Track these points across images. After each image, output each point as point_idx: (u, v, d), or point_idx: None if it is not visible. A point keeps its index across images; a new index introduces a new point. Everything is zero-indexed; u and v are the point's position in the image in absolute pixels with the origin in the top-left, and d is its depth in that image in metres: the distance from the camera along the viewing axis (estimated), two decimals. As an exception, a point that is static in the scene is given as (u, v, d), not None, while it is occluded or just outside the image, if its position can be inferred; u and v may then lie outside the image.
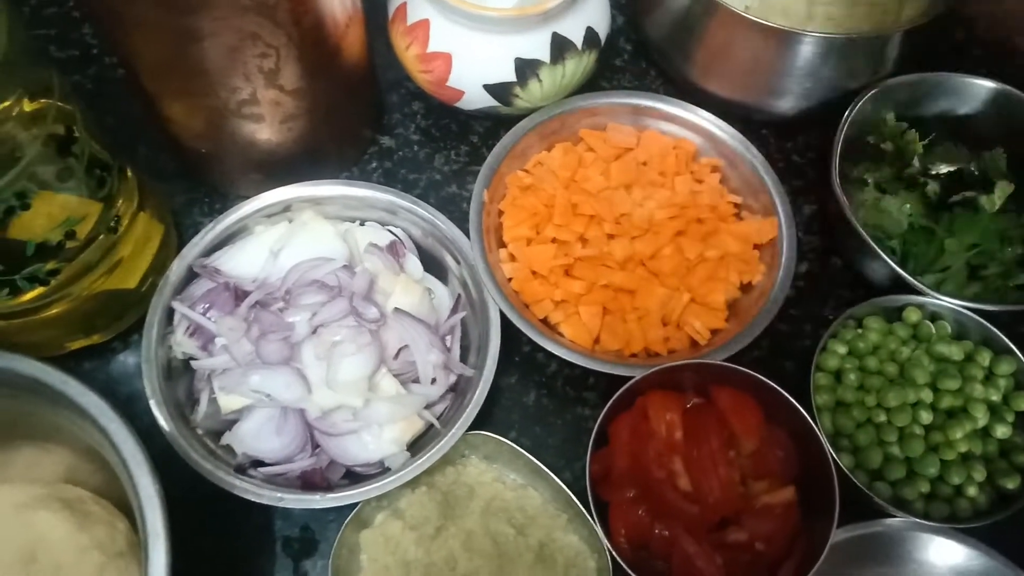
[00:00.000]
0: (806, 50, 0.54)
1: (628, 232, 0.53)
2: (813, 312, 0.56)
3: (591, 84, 0.60)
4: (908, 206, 0.55)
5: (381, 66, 0.61)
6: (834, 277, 0.58)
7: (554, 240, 0.53)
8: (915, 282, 0.50)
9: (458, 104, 0.57)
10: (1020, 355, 0.49)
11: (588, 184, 0.55)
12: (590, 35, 0.56)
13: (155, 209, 0.54)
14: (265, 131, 0.52)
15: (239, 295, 0.50)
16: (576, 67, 0.56)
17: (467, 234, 0.52)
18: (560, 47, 0.54)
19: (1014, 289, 0.54)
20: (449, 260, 0.53)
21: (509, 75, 0.54)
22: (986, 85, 0.56)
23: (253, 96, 0.48)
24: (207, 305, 0.49)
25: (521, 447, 0.48)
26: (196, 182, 0.59)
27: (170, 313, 0.49)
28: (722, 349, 0.50)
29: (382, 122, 0.62)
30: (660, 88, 0.64)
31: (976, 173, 0.56)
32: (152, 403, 0.45)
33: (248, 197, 0.53)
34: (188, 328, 0.48)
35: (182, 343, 0.48)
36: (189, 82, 0.47)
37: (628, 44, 0.66)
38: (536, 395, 0.54)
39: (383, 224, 0.55)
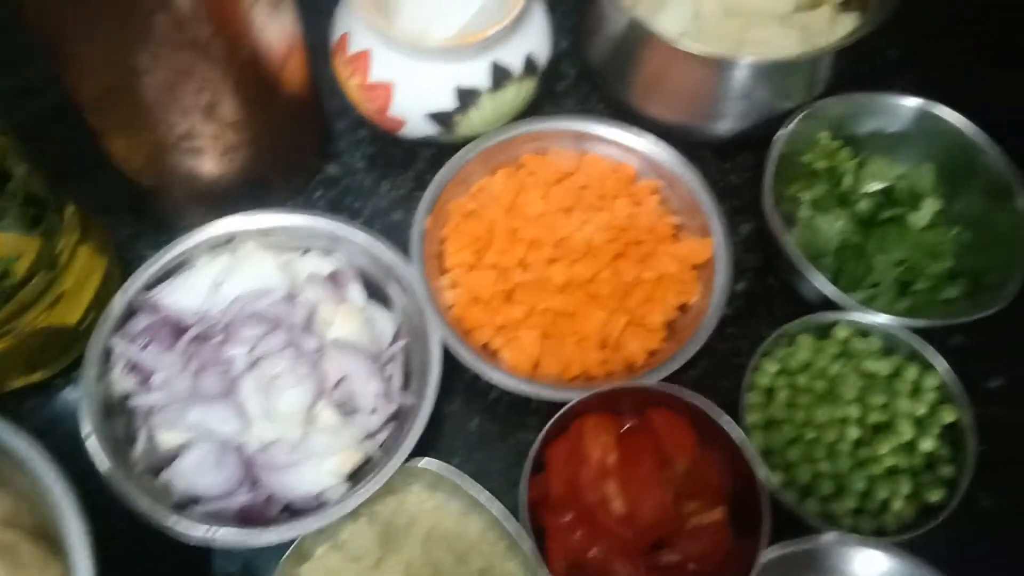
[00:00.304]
0: (740, 75, 0.55)
1: (568, 256, 0.54)
2: (751, 330, 0.58)
3: (535, 108, 0.61)
4: (839, 224, 0.56)
5: (327, 93, 0.62)
6: (772, 295, 0.59)
7: (495, 266, 0.54)
8: (844, 299, 0.51)
9: (400, 132, 0.58)
10: (945, 369, 0.50)
11: (529, 209, 0.56)
12: (530, 62, 0.57)
13: (97, 243, 0.54)
14: (207, 164, 0.52)
15: (180, 329, 0.50)
16: (516, 94, 0.57)
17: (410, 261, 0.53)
18: (500, 75, 0.55)
19: (943, 303, 0.56)
20: (392, 287, 0.54)
21: (450, 103, 0.55)
22: (913, 103, 0.58)
23: (192, 130, 0.49)
24: (147, 340, 0.49)
25: (465, 473, 0.48)
26: (141, 214, 0.60)
27: (110, 350, 0.50)
28: (659, 370, 0.51)
29: (328, 149, 0.63)
30: (603, 111, 0.65)
31: (905, 190, 0.57)
32: (89, 442, 0.45)
33: (194, 228, 0.54)
34: (127, 365, 0.49)
35: (120, 380, 0.49)
36: (127, 117, 0.48)
37: (572, 68, 0.67)
38: (479, 421, 0.54)
39: (326, 253, 0.55)
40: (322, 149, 0.63)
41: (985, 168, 0.56)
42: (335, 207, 0.61)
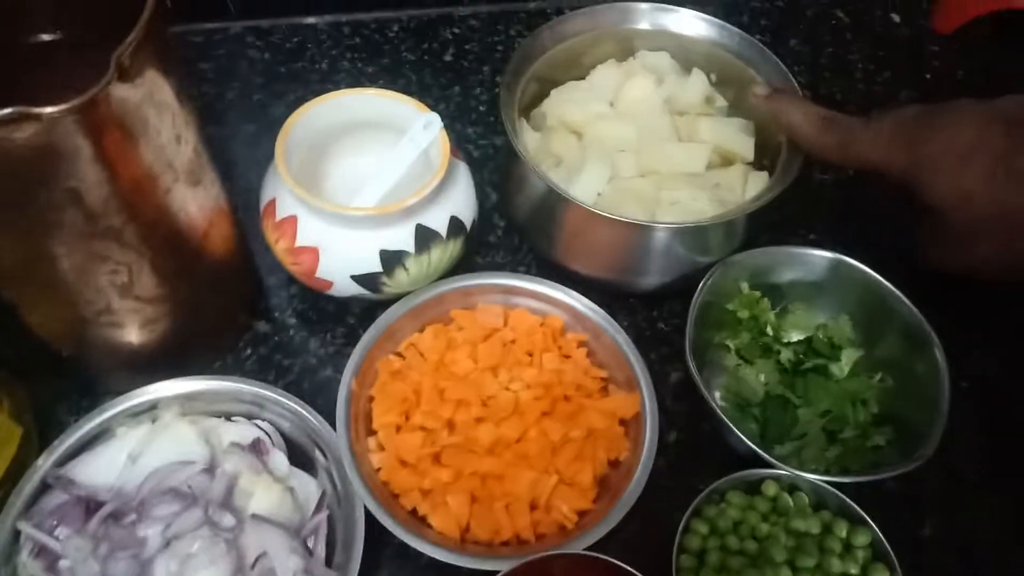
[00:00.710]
0: (658, 236, 0.57)
1: (495, 415, 0.54)
2: (684, 483, 0.57)
3: (467, 259, 0.62)
4: (763, 376, 0.57)
5: (261, 248, 0.62)
6: (704, 444, 0.59)
7: (422, 427, 0.54)
8: (767, 457, 0.51)
9: (329, 292, 0.58)
10: (876, 523, 0.50)
11: (456, 367, 0.56)
12: (455, 224, 0.58)
13: (14, 410, 0.52)
14: (126, 335, 0.52)
15: (92, 507, 0.48)
16: (442, 255, 0.58)
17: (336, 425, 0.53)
18: (425, 238, 0.57)
19: (872, 450, 0.56)
20: (317, 453, 0.53)
21: (375, 266, 0.56)
22: (825, 255, 0.60)
23: (109, 307, 0.48)
24: (55, 521, 0.47)
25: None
26: (63, 377, 0.58)
27: (18, 531, 0.47)
28: (590, 533, 0.50)
29: (259, 306, 0.63)
30: (532, 263, 0.67)
31: (825, 341, 0.59)
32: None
33: (118, 392, 0.53)
34: (33, 548, 0.47)
35: (27, 564, 0.46)
36: (41, 293, 0.48)
37: (502, 220, 0.69)
38: (408, 590, 0.53)
39: (251, 418, 0.54)
40: (252, 306, 0.63)
41: (900, 318, 0.57)
42: (264, 366, 0.60)
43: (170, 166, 0.44)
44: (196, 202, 0.48)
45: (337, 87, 0.76)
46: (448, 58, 0.80)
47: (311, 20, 0.80)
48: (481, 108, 0.76)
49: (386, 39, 0.80)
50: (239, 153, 0.71)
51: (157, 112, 0.41)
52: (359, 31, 0.80)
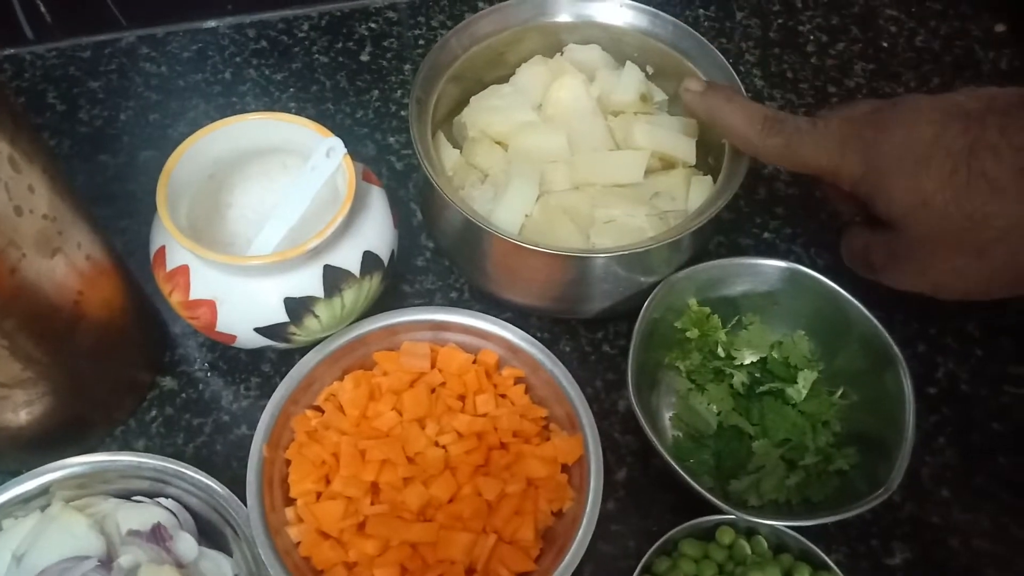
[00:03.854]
0: (596, 264, 0.52)
1: (424, 473, 0.49)
2: (636, 525, 0.53)
3: (391, 288, 0.57)
4: (715, 407, 0.53)
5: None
6: (656, 480, 0.55)
7: (342, 495, 0.49)
8: (721, 504, 0.47)
9: (235, 344, 0.53)
10: (838, 572, 0.46)
11: (379, 421, 0.51)
12: (369, 259, 0.52)
13: None
14: (3, 417, 0.46)
15: (-30, 622, 0.43)
16: (357, 295, 0.52)
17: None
18: (334, 279, 0.51)
19: (836, 474, 0.52)
20: (228, 530, 0.48)
21: (280, 316, 0.50)
22: (778, 265, 0.55)
23: (-33, 395, 0.43)
24: (-73, 645, 0.42)
25: None
26: (-53, 459, 0.53)
27: None
28: (535, 597, 0.46)
29: (163, 360, 0.57)
30: (464, 287, 0.61)
31: (780, 362, 0.54)
32: None
33: (9, 473, 0.47)
34: None
35: None
36: None
37: (430, 241, 0.63)
38: (335, 676, 0.48)
39: (154, 495, 0.49)
40: (156, 362, 0.57)
41: (859, 330, 0.53)
42: (172, 428, 0.55)
43: (12, 243, 0.38)
44: (58, 273, 0.42)
45: (242, 99, 0.70)
46: (365, 57, 0.73)
47: (211, 24, 0.73)
48: (403, 113, 0.69)
49: (295, 40, 0.73)
50: (136, 184, 0.64)
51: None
52: (265, 33, 0.73)
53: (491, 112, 0.58)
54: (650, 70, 0.61)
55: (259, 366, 0.58)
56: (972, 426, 0.56)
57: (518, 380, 0.54)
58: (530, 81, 0.60)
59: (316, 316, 0.51)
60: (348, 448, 0.50)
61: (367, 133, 0.68)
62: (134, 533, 0.46)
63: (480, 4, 0.76)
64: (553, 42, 0.61)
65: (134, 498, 0.49)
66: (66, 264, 0.43)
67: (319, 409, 0.53)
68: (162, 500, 0.49)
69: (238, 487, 0.48)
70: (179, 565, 0.46)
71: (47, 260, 0.41)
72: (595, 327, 0.60)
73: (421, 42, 0.74)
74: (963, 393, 0.57)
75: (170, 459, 0.49)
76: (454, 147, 0.58)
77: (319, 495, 0.50)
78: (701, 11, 0.78)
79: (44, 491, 0.48)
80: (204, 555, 0.48)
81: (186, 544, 0.47)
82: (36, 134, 0.41)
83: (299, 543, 0.48)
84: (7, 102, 0.39)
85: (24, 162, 0.38)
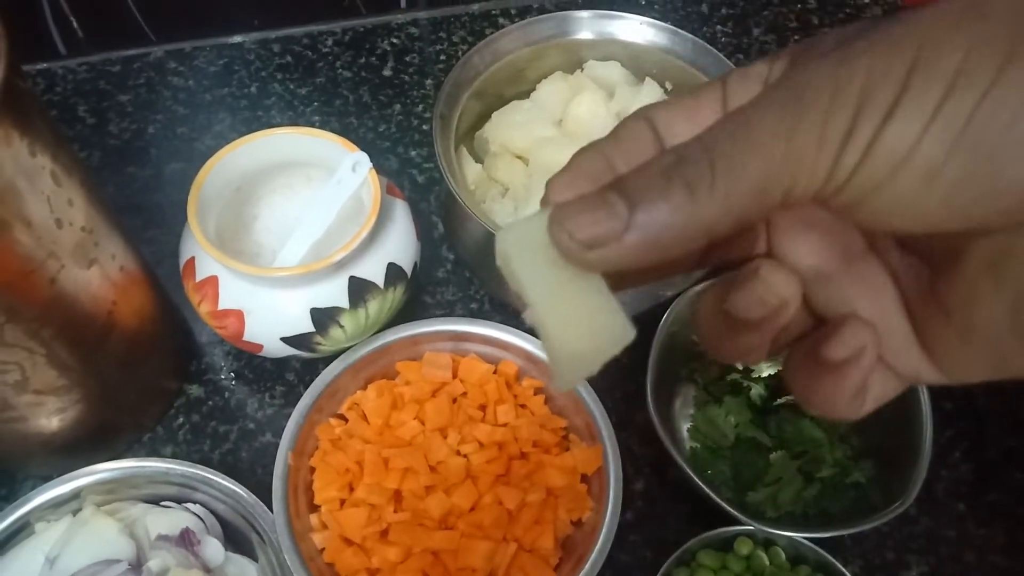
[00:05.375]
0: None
1: (446, 482, 0.50)
2: (654, 536, 0.54)
3: (413, 300, 0.58)
4: (732, 417, 0.53)
5: (191, 304, 0.58)
6: (674, 491, 0.56)
7: (366, 502, 0.50)
8: (739, 515, 0.48)
9: (262, 354, 0.54)
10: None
11: (402, 430, 0.52)
12: (393, 271, 0.53)
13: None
14: (32, 427, 0.47)
15: (5, 623, 0.44)
16: (381, 306, 0.53)
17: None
18: (359, 290, 0.52)
19: (852, 486, 0.53)
20: (254, 536, 0.49)
21: (307, 326, 0.51)
22: (796, 280, 0.56)
23: (6, 403, 0.44)
24: (-36, 644, 0.43)
25: None
26: (-20, 463, 0.54)
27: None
28: (553, 606, 0.46)
29: (190, 368, 0.59)
30: (485, 299, 0.62)
31: (797, 374, 0.55)
32: None
33: (40, 478, 0.49)
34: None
35: None
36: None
37: (451, 253, 0.64)
38: None
39: (182, 501, 0.50)
40: (183, 370, 0.58)
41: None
42: (199, 435, 0.56)
43: (52, 255, 0.39)
44: (93, 283, 0.44)
45: (268, 113, 0.71)
46: (387, 72, 0.74)
47: (237, 39, 0.75)
48: (424, 127, 0.71)
49: (319, 55, 0.75)
50: (163, 195, 0.66)
51: (20, 201, 0.36)
52: (290, 48, 0.75)
53: (512, 127, 0.59)
54: (669, 87, 0.62)
55: (284, 375, 0.59)
56: (988, 441, 0.57)
57: (538, 391, 0.55)
58: (550, 97, 0.61)
59: (341, 326, 0.52)
60: (371, 456, 0.51)
61: (389, 147, 0.69)
62: (163, 537, 0.47)
63: (500, 20, 0.77)
64: (574, 59, 0.62)
65: (162, 503, 0.50)
66: (101, 275, 0.45)
67: (343, 418, 0.54)
68: (190, 505, 0.50)
69: (262, 493, 0.49)
70: (206, 569, 0.47)
71: (84, 271, 0.42)
72: (613, 339, 0.61)
73: (442, 57, 0.75)
74: (979, 408, 0.58)
75: (197, 465, 0.50)
76: (476, 161, 0.59)
77: (343, 502, 0.51)
78: (719, 27, 0.79)
79: (75, 495, 0.49)
80: (230, 560, 0.49)
81: (213, 549, 0.48)
82: (72, 148, 0.42)
83: (323, 549, 0.49)
84: (48, 119, 0.40)
85: (64, 176, 0.40)
